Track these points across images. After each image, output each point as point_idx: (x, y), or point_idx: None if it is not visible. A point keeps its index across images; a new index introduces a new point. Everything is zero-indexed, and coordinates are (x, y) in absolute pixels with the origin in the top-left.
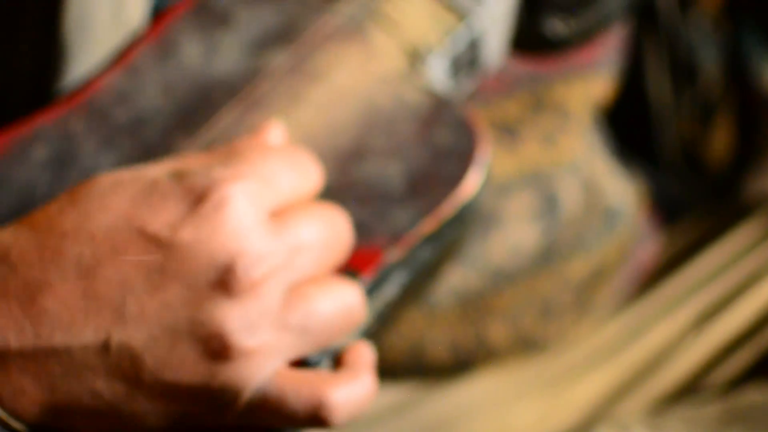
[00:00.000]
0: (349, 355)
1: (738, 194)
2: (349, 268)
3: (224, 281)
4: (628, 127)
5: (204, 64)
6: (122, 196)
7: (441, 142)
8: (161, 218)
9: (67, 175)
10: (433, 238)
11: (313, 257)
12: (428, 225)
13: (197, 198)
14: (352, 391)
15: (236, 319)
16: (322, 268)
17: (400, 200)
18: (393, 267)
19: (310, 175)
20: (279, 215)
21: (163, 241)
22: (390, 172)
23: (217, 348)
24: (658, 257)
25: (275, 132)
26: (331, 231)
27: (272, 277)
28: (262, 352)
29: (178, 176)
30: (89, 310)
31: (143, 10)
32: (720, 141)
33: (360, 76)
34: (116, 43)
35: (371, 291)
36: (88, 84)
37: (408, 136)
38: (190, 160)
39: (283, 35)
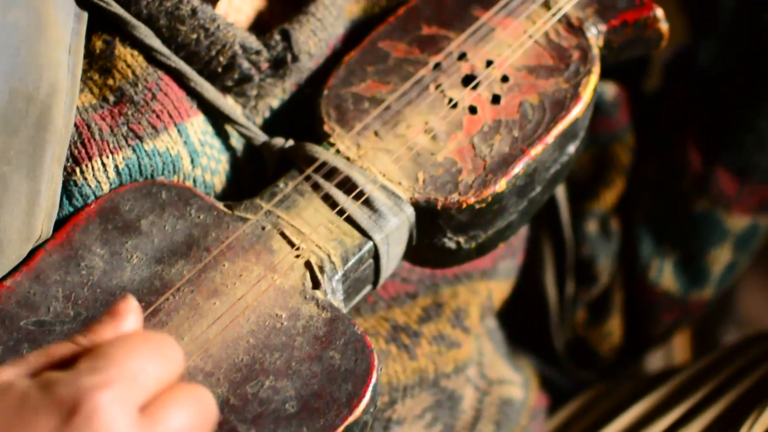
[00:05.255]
0: None
1: (627, 377)
2: None
3: None
4: (524, 320)
5: (107, 271)
6: None
7: (334, 361)
8: None
9: None
10: None
11: None
12: None
13: (69, 410)
14: None
15: None
16: None
17: (293, 421)
18: None
19: (174, 360)
20: (149, 406)
21: None
22: (284, 391)
23: None
24: None
25: (131, 315)
26: (198, 410)
27: None
28: None
29: (46, 387)
30: None
31: (50, 223)
32: (612, 333)
33: (260, 290)
34: (23, 257)
35: None
36: None
37: (303, 354)
38: (53, 355)
39: (188, 245)
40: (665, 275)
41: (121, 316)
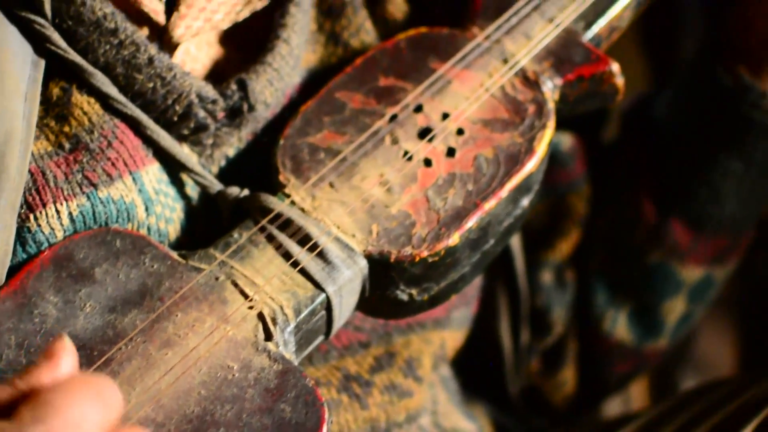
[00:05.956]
0: None
1: (582, 424)
2: None
3: None
4: (479, 369)
5: (61, 319)
6: None
7: (285, 414)
8: None
9: None
10: None
11: None
12: None
13: None
14: None
15: None
16: None
17: None
18: None
19: (113, 402)
20: None
21: None
22: None
23: None
24: None
25: (67, 356)
26: None
27: None
28: None
29: None
30: None
31: (3, 270)
32: (566, 383)
33: (212, 341)
34: None
35: None
36: None
37: (254, 406)
38: None
39: (141, 294)
40: (619, 326)
41: (57, 358)
